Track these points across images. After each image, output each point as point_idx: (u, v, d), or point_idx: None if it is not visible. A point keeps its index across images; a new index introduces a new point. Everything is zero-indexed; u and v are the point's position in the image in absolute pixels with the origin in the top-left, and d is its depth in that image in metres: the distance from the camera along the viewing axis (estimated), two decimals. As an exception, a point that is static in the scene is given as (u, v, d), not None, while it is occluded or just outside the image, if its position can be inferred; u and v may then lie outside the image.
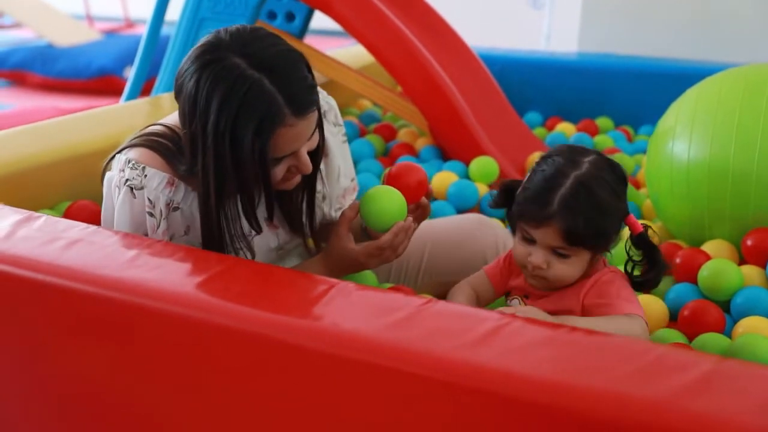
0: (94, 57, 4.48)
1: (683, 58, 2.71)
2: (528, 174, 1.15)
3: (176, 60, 2.21)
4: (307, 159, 1.15)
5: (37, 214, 1.16)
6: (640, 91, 2.51)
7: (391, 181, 1.26)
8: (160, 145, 1.18)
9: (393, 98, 2.23)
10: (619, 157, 2.13)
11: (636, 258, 1.15)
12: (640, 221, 1.22)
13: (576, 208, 1.06)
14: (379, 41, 2.04)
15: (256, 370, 0.89)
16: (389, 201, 1.21)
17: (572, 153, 1.12)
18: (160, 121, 1.24)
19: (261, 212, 1.25)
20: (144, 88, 2.43)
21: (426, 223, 1.54)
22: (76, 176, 1.60)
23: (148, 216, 1.16)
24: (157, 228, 1.17)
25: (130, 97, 2.35)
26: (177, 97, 1.13)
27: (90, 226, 1.12)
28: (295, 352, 0.85)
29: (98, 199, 1.27)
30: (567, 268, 1.10)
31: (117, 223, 1.17)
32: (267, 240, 1.31)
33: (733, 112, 1.48)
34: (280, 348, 0.86)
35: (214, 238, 1.16)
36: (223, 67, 1.06)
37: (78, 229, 1.10)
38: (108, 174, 1.21)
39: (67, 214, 1.50)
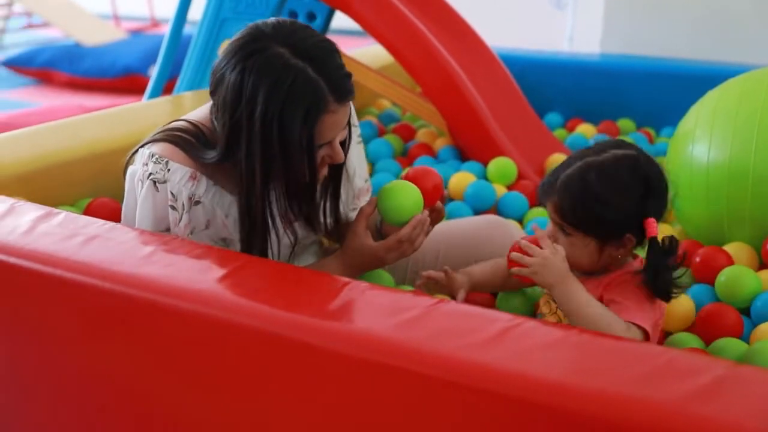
0: (119, 56, 4.54)
1: (706, 60, 2.68)
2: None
3: (197, 59, 2.23)
4: (340, 148, 1.19)
5: (57, 210, 1.18)
6: (662, 93, 2.49)
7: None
8: (183, 140, 1.20)
9: (412, 98, 2.23)
10: (639, 159, 2.12)
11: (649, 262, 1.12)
12: (666, 227, 1.20)
13: (570, 189, 1.11)
14: (398, 41, 2.04)
15: (268, 366, 0.90)
16: (407, 195, 1.23)
17: (609, 145, 1.16)
18: (183, 117, 1.26)
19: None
20: (166, 87, 2.45)
21: (441, 225, 1.54)
22: (97, 174, 1.63)
23: (170, 210, 1.17)
24: (180, 221, 1.18)
25: (153, 95, 2.37)
26: (214, 90, 1.15)
27: (108, 222, 1.14)
28: (308, 350, 0.86)
29: (119, 196, 1.30)
30: (570, 249, 1.13)
31: (140, 216, 1.19)
32: (283, 236, 1.32)
33: (754, 114, 1.47)
34: (293, 346, 0.87)
35: (256, 223, 1.18)
36: (267, 56, 1.10)
37: (96, 225, 1.12)
38: (131, 168, 1.23)
39: (88, 211, 1.53)
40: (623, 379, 0.75)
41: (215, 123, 1.19)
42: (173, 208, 1.17)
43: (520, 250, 1.14)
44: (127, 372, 1.00)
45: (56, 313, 1.04)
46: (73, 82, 4.54)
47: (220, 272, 0.97)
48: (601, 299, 1.12)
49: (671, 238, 1.12)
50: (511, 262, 1.16)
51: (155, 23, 6.69)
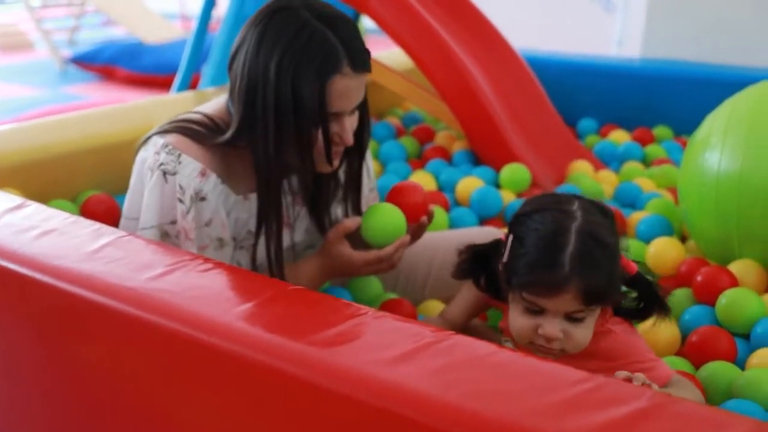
0: (177, 54, 4.63)
1: (749, 65, 2.52)
2: (510, 238, 1.00)
3: (220, 57, 2.24)
4: (350, 129, 1.18)
5: (29, 202, 1.20)
6: (702, 99, 2.34)
7: (389, 199, 1.26)
8: (198, 133, 1.20)
9: (433, 101, 2.18)
10: (665, 169, 2.01)
11: (632, 297, 1.04)
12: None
13: (591, 264, 0.93)
14: (415, 42, 1.99)
15: (182, 369, 0.88)
16: (389, 219, 1.23)
17: (557, 204, 1.00)
18: (199, 109, 1.26)
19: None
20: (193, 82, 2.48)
21: (437, 233, 1.50)
22: (98, 168, 1.65)
23: (178, 202, 1.17)
24: (187, 214, 1.18)
25: (180, 89, 2.40)
26: (233, 58, 1.17)
27: (72, 217, 1.14)
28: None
29: (121, 191, 1.28)
30: (584, 332, 0.97)
31: (145, 205, 1.19)
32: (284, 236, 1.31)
33: (767, 125, 1.36)
34: (211, 352, 0.84)
35: (271, 185, 1.18)
36: (290, 14, 1.13)
37: (59, 219, 1.13)
38: (142, 153, 1.22)
39: (84, 208, 1.54)
40: (529, 407, 0.69)
41: (230, 103, 1.19)
42: (180, 200, 1.17)
43: None
44: (62, 369, 1.00)
45: (4, 304, 1.04)
46: (133, 79, 4.67)
47: (156, 271, 0.95)
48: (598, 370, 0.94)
49: (637, 263, 1.04)
50: None
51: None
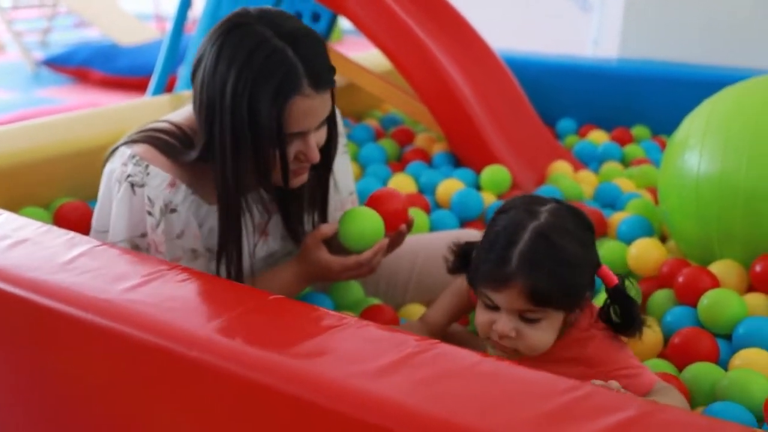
0: (153, 55, 4.57)
1: (730, 65, 2.54)
2: (483, 233, 1.04)
3: (196, 59, 2.21)
4: (315, 146, 1.14)
5: (0, 210, 1.16)
6: (681, 99, 2.34)
7: (369, 206, 1.25)
8: (165, 143, 1.17)
9: (412, 103, 2.17)
10: (645, 169, 2.01)
11: (614, 312, 1.02)
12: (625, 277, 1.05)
13: (537, 263, 0.93)
14: (393, 44, 1.98)
15: (158, 379, 0.85)
16: (367, 223, 1.21)
17: (529, 204, 1.00)
18: (167, 118, 1.23)
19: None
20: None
21: (419, 237, 1.49)
22: (73, 174, 1.61)
23: (147, 215, 1.14)
24: (157, 227, 1.15)
25: (156, 92, 2.37)
26: (194, 72, 1.12)
27: (45, 226, 1.11)
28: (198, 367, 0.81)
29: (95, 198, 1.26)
30: (539, 335, 0.96)
31: (114, 218, 1.16)
32: (261, 248, 1.28)
33: (747, 125, 1.36)
34: (182, 362, 0.82)
35: (231, 205, 1.15)
36: (248, 32, 1.07)
37: (32, 228, 1.10)
38: (109, 165, 1.19)
39: (57, 215, 1.51)
40: (520, 417, 0.68)
41: (195, 113, 1.15)
42: (150, 213, 1.14)
43: None
44: (35, 383, 0.97)
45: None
46: (108, 81, 4.60)
47: (131, 282, 0.93)
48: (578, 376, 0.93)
49: (623, 276, 1.02)
50: None
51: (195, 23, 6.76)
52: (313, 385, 0.74)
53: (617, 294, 1.01)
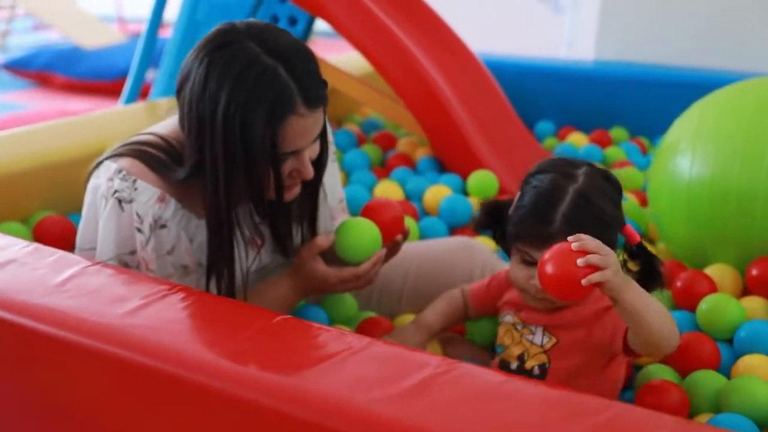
0: (117, 59, 4.48)
1: (705, 66, 2.57)
2: (519, 192, 1.09)
3: (172, 65, 2.16)
4: (309, 163, 1.11)
5: (-17, 230, 1.11)
6: (657, 101, 2.38)
7: (365, 217, 1.22)
8: (153, 157, 1.12)
9: (394, 107, 2.14)
10: (629, 171, 2.02)
11: (633, 269, 1.08)
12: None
13: (579, 224, 1.00)
14: (375, 48, 1.95)
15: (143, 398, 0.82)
16: (365, 234, 1.19)
17: (565, 166, 1.08)
18: (153, 130, 1.18)
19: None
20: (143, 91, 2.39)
21: (411, 245, 1.47)
22: (51, 187, 1.55)
23: (136, 232, 1.10)
24: (147, 244, 1.10)
25: (129, 100, 2.31)
26: (180, 90, 1.07)
27: (32, 244, 1.06)
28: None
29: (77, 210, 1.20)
30: None
31: (102, 236, 1.11)
32: (253, 261, 1.25)
33: (739, 127, 1.37)
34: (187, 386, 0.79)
35: (222, 229, 1.11)
36: (237, 49, 1.02)
37: (17, 248, 1.05)
38: (94, 181, 1.13)
39: (37, 230, 1.44)
40: (551, 440, 0.66)
41: (183, 132, 1.10)
42: (139, 230, 1.09)
43: (572, 253, 0.88)
44: (31, 410, 0.93)
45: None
46: (71, 85, 4.49)
47: (131, 305, 0.89)
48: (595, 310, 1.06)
49: (641, 236, 1.08)
50: (567, 275, 0.89)
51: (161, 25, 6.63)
52: (335, 412, 0.71)
53: (641, 250, 1.06)
